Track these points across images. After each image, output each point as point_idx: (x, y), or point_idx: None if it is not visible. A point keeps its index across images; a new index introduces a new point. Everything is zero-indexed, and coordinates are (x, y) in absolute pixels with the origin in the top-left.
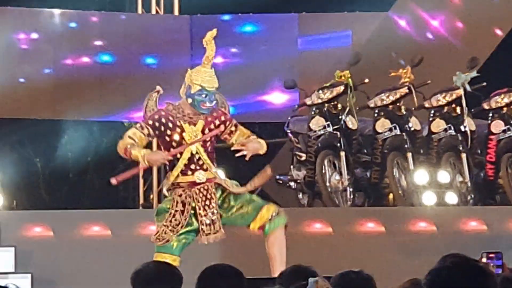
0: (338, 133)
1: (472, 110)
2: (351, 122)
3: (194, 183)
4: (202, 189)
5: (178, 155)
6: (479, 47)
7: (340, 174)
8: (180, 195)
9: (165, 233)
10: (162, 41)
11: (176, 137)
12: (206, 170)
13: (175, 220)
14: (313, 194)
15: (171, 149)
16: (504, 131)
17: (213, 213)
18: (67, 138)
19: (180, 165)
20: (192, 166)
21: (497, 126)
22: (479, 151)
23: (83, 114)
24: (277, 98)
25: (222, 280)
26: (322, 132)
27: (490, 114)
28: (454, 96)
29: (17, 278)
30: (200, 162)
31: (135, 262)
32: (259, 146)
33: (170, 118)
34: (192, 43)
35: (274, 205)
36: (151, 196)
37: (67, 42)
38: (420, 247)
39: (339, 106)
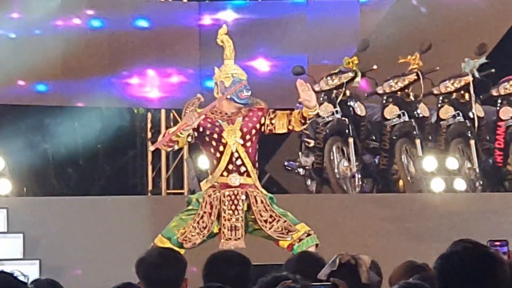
0: (347, 119)
1: (481, 96)
2: (360, 109)
3: (226, 185)
4: (231, 193)
5: (218, 154)
6: (488, 33)
7: (349, 160)
8: (210, 196)
9: (192, 235)
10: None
11: (215, 136)
12: (242, 174)
13: (203, 222)
14: (321, 181)
15: (212, 149)
16: None
17: (237, 219)
18: (77, 125)
19: (222, 166)
20: (230, 167)
21: (506, 112)
22: (487, 138)
23: (93, 101)
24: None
25: (228, 266)
26: (330, 118)
27: (499, 101)
28: (462, 83)
29: (25, 264)
30: (238, 163)
31: (143, 249)
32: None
33: (209, 120)
34: (201, 30)
35: (305, 226)
36: (160, 183)
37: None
38: (428, 233)
39: (348, 92)
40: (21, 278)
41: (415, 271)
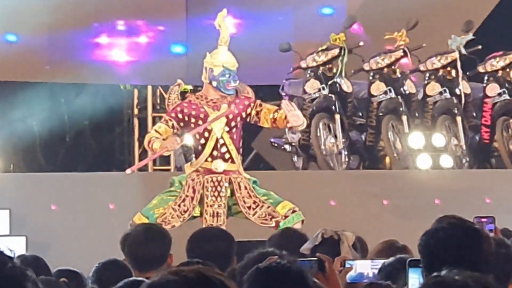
0: (333, 96)
1: (468, 73)
2: (346, 85)
3: (210, 171)
4: (214, 179)
5: (203, 141)
6: (474, 10)
7: (335, 137)
8: (193, 180)
9: (172, 217)
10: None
11: (200, 122)
12: (226, 160)
13: (184, 206)
14: (308, 157)
15: (197, 135)
16: (499, 94)
17: (219, 206)
18: (64, 101)
19: (207, 152)
20: (214, 153)
21: (492, 89)
22: (474, 114)
23: (79, 77)
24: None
25: (211, 242)
26: (317, 95)
27: (486, 78)
28: (449, 59)
29: (12, 240)
30: (223, 150)
31: (129, 226)
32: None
33: (193, 106)
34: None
35: (290, 203)
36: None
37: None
38: (415, 210)
39: (334, 69)
40: (7, 252)
41: (394, 251)
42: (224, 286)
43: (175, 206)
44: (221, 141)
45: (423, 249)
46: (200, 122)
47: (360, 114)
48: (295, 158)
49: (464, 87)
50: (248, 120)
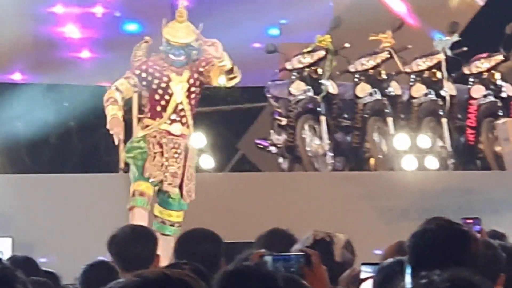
0: (319, 97)
1: (453, 74)
2: (332, 87)
3: (168, 133)
4: (174, 141)
5: (163, 102)
6: (460, 12)
7: (320, 138)
8: (155, 137)
9: (155, 171)
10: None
11: (163, 85)
12: (183, 125)
13: (158, 161)
14: (293, 159)
15: (157, 96)
16: (484, 96)
17: (178, 167)
18: (49, 102)
19: (166, 116)
20: (173, 116)
21: (478, 91)
22: (459, 116)
23: (65, 78)
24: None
25: (199, 244)
26: (302, 96)
27: (471, 79)
28: (434, 61)
29: None
30: (182, 114)
31: (116, 226)
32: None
33: (157, 67)
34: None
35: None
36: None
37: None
38: (400, 211)
39: (320, 71)
40: None
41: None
42: (187, 287)
43: (151, 163)
44: (180, 106)
45: (411, 250)
46: (162, 84)
47: (346, 115)
48: (280, 160)
49: (449, 88)
50: (204, 82)
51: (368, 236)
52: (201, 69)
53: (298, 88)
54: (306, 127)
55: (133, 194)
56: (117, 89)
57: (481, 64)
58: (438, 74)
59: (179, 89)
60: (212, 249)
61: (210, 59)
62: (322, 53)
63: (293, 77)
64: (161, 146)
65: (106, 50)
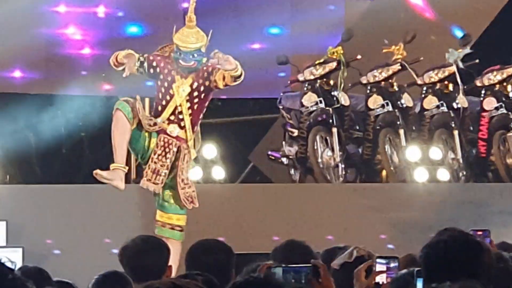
0: (330, 109)
1: (465, 87)
2: (343, 98)
3: (164, 131)
4: (166, 141)
5: (164, 102)
6: (472, 24)
7: (332, 150)
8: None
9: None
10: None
11: (166, 84)
12: (182, 128)
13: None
14: (305, 170)
15: (160, 95)
16: (496, 108)
17: (162, 166)
18: (61, 113)
19: (164, 116)
20: (172, 117)
21: (490, 103)
22: (471, 128)
23: (77, 89)
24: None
25: (209, 255)
26: (314, 108)
27: (483, 91)
28: (446, 73)
29: (8, 251)
30: (180, 117)
31: (127, 237)
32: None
33: (169, 66)
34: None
35: (185, 220)
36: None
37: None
38: (412, 223)
39: (332, 82)
40: (8, 264)
41: (416, 264)
42: None
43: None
44: (179, 109)
45: (424, 261)
46: (166, 84)
47: (357, 127)
48: (292, 171)
49: (461, 100)
50: (211, 86)
51: (379, 248)
52: (206, 75)
53: (310, 100)
54: (317, 138)
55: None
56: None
57: (493, 77)
58: (450, 86)
59: (180, 91)
60: (223, 260)
61: (215, 67)
62: (333, 64)
63: (305, 88)
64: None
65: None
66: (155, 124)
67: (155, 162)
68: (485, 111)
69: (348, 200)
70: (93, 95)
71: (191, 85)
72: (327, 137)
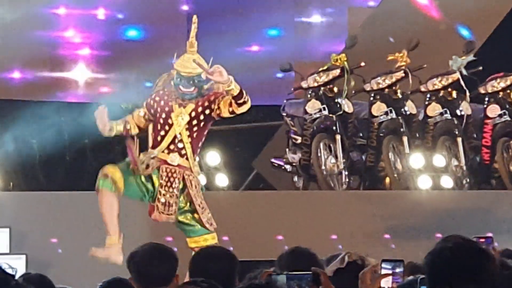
0: (334, 116)
1: (469, 94)
2: (347, 106)
3: (165, 162)
4: (169, 170)
5: (163, 132)
6: (475, 31)
7: (336, 157)
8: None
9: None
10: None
11: (164, 115)
12: (182, 156)
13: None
14: (308, 177)
15: (158, 126)
16: (500, 116)
17: (171, 196)
18: (64, 120)
19: (163, 146)
20: (171, 147)
21: (493, 110)
22: (474, 135)
23: (80, 96)
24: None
25: (213, 262)
26: (318, 115)
27: (486, 99)
28: (450, 80)
29: (12, 259)
30: (180, 146)
31: (131, 243)
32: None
33: (166, 97)
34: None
35: (216, 237)
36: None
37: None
38: (416, 231)
39: (335, 89)
40: (9, 271)
41: (417, 271)
42: None
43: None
44: (179, 137)
45: (428, 268)
46: (163, 115)
47: (361, 134)
48: (295, 178)
49: (465, 108)
50: (212, 115)
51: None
52: (207, 104)
53: (314, 107)
54: (321, 145)
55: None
56: (132, 117)
57: (497, 84)
58: (454, 94)
59: (179, 120)
60: (227, 268)
61: (220, 93)
62: (337, 71)
63: (309, 95)
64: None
65: (121, 68)
66: (154, 157)
67: (163, 195)
68: (488, 118)
69: (351, 207)
70: (95, 101)
71: (190, 114)
72: (331, 144)
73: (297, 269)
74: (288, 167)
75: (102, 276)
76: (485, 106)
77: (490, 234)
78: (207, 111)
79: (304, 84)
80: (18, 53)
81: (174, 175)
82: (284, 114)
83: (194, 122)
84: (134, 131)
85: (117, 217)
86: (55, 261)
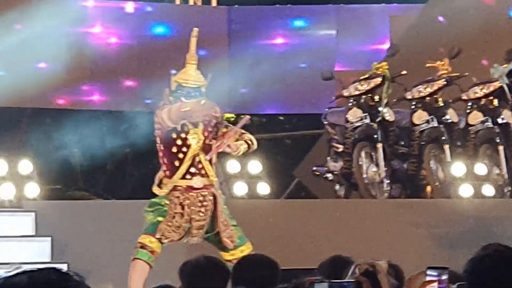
0: (375, 124)
1: (509, 102)
2: (388, 114)
3: (191, 188)
4: (199, 195)
5: (181, 155)
6: None
7: (377, 165)
8: (178, 197)
9: (169, 232)
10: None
11: (183, 135)
12: (203, 176)
13: (176, 222)
14: (349, 186)
15: (175, 149)
16: None
17: (204, 220)
18: (106, 129)
19: (183, 168)
20: (192, 170)
21: None
22: None
23: (122, 105)
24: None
25: (256, 270)
26: (359, 123)
27: None
28: (491, 89)
29: None
30: (200, 167)
31: (170, 253)
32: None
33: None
34: (229, 35)
35: (251, 246)
36: None
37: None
38: (457, 239)
39: (376, 97)
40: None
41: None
42: None
43: (168, 223)
44: (197, 159)
45: (469, 276)
46: (182, 135)
47: (402, 142)
48: (337, 187)
49: (506, 116)
50: (219, 136)
51: (424, 264)
52: (213, 122)
53: (355, 115)
54: (362, 154)
55: (136, 246)
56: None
57: None
58: (495, 102)
59: (195, 140)
60: (269, 276)
61: (220, 121)
62: (378, 80)
63: (350, 104)
64: (182, 207)
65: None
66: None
67: (198, 220)
68: None
69: (392, 216)
70: (138, 110)
71: (203, 133)
72: (372, 153)
73: (337, 277)
74: (329, 175)
75: (145, 284)
76: None
77: None
78: (214, 130)
79: (345, 93)
80: (58, 63)
81: (205, 197)
82: (326, 122)
83: (207, 141)
84: None
85: (143, 286)
86: (96, 269)
